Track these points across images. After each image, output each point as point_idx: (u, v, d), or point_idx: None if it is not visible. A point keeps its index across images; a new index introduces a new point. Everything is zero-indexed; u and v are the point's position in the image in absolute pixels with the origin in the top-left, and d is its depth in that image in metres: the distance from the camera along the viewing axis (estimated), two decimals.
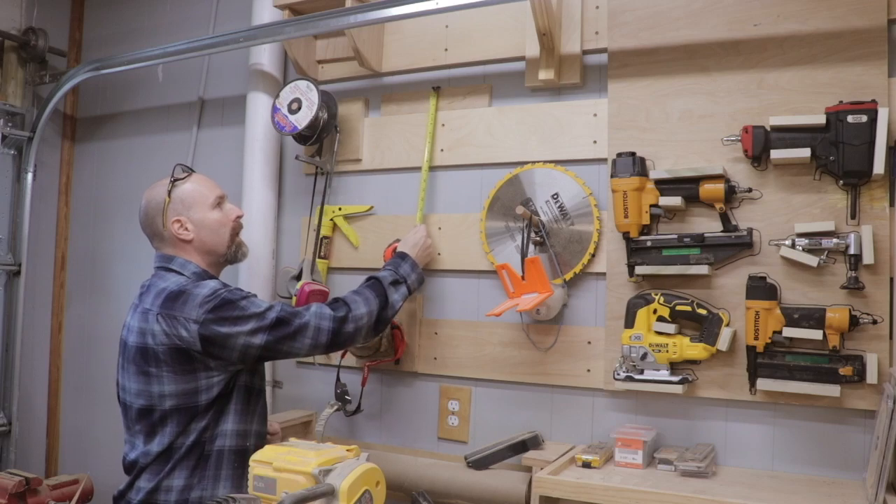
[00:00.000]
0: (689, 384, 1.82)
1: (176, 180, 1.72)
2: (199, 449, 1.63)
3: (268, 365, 2.40)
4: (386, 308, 1.80)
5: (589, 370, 1.97)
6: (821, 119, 1.67)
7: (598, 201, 1.97)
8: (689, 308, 1.80)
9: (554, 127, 2.05)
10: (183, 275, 1.68)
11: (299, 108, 2.19)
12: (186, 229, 1.70)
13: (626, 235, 1.88)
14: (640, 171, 1.84)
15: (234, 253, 1.77)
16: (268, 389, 2.39)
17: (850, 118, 1.64)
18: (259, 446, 1.78)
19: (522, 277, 1.92)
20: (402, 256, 1.95)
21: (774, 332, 1.70)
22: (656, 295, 1.84)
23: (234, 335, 1.59)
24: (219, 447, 1.65)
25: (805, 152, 1.68)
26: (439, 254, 2.19)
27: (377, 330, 1.81)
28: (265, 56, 2.41)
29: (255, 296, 1.68)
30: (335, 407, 2.19)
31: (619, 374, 1.85)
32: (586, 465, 1.74)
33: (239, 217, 1.79)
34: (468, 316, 2.16)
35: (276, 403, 2.43)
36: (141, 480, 1.63)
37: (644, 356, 1.82)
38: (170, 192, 1.71)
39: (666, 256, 1.84)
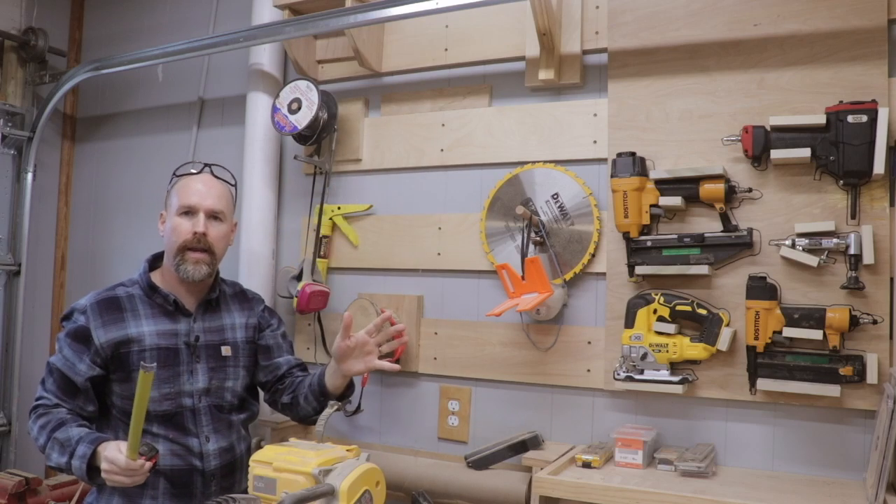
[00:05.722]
0: (689, 384, 1.82)
1: (175, 176, 1.76)
2: None
3: None
4: (45, 456, 1.56)
5: (589, 370, 1.97)
6: (821, 119, 1.67)
7: (598, 201, 1.97)
8: (689, 308, 1.80)
9: (554, 127, 2.05)
10: (134, 275, 1.76)
11: (299, 108, 2.19)
12: (163, 226, 1.75)
13: (626, 235, 1.88)
14: (640, 171, 1.84)
15: (176, 264, 1.68)
16: None
17: (850, 118, 1.64)
18: None
19: (522, 277, 1.91)
20: (97, 440, 1.51)
21: (774, 332, 1.70)
22: (656, 295, 1.84)
23: None
24: None
25: (805, 152, 1.68)
26: (439, 253, 2.19)
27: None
28: (265, 56, 2.41)
29: (70, 341, 1.63)
30: (335, 407, 2.18)
31: (619, 374, 1.85)
32: (586, 465, 1.74)
33: (196, 233, 1.66)
34: (468, 316, 2.16)
35: None
36: None
37: (644, 356, 1.82)
38: (169, 186, 1.75)
39: (666, 256, 1.84)
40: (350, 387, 1.78)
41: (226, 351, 1.74)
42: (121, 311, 1.66)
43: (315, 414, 1.77)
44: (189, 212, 1.69)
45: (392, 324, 1.76)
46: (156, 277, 1.74)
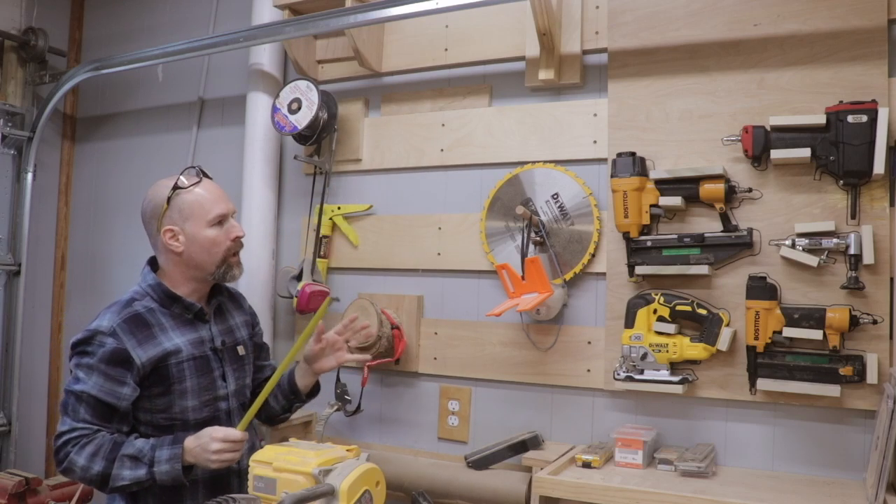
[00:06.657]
0: (689, 384, 1.82)
1: (178, 188, 1.61)
2: None
3: None
4: (107, 480, 1.49)
5: (589, 370, 1.97)
6: (821, 119, 1.67)
7: (598, 201, 1.97)
8: (689, 308, 1.80)
9: (554, 127, 2.05)
10: (140, 286, 1.66)
11: (299, 108, 2.19)
12: (178, 241, 1.61)
13: (626, 235, 1.88)
14: (640, 170, 1.84)
15: (222, 273, 1.66)
16: None
17: (850, 118, 1.64)
18: None
19: (522, 277, 1.91)
20: (177, 440, 1.53)
21: (774, 332, 1.70)
22: (656, 295, 1.84)
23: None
24: None
25: (805, 152, 1.68)
26: (439, 253, 2.19)
27: (99, 489, 1.57)
28: (265, 56, 2.41)
29: (106, 366, 1.54)
30: (335, 407, 2.19)
31: (619, 374, 1.85)
32: (586, 465, 1.74)
33: (238, 237, 1.67)
34: (468, 316, 2.16)
35: None
36: None
37: (644, 356, 1.82)
38: (169, 199, 1.60)
39: (666, 256, 1.84)
40: (317, 385, 1.83)
41: (241, 350, 1.74)
42: (149, 328, 1.60)
43: (283, 413, 1.80)
44: (221, 221, 1.64)
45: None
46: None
